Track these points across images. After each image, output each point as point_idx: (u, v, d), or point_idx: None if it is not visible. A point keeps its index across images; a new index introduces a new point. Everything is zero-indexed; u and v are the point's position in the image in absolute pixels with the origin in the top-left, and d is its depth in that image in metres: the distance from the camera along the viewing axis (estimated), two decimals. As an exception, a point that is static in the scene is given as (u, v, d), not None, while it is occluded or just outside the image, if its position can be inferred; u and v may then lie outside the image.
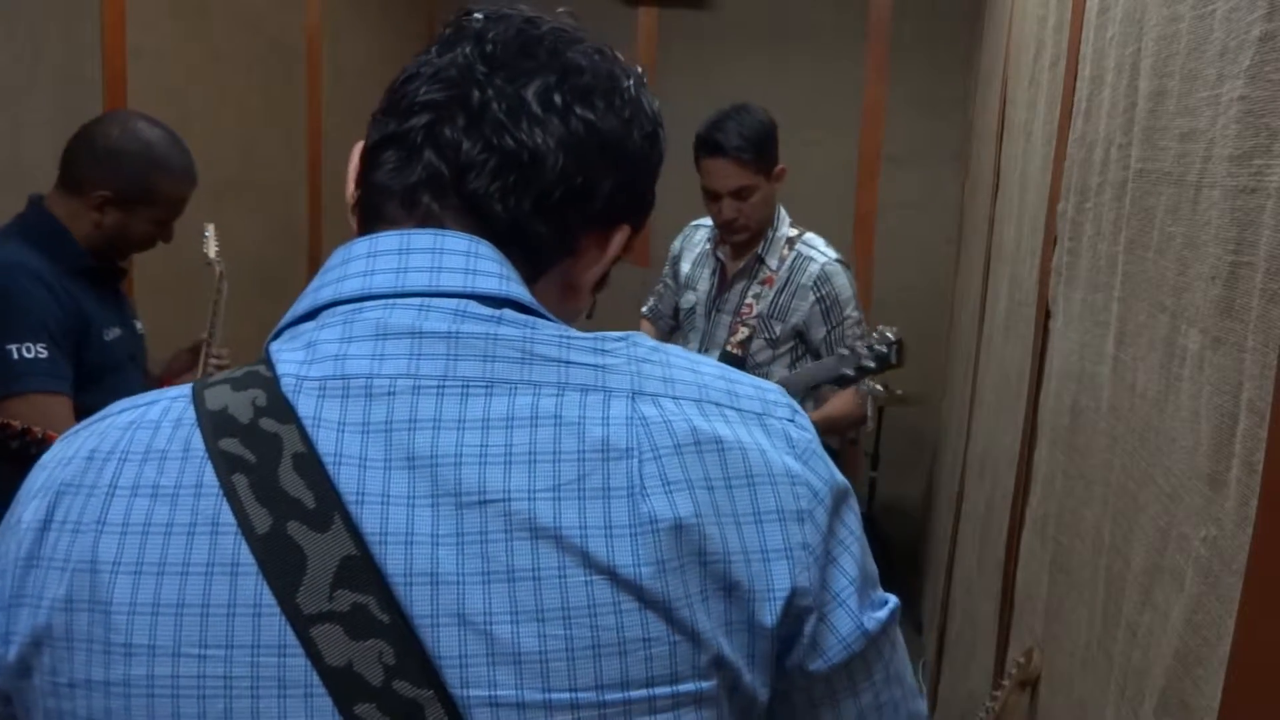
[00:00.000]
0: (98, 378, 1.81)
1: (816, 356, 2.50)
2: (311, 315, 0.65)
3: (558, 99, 0.67)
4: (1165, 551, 0.94)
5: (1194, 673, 0.84)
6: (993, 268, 2.54)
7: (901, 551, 4.26)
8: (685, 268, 2.68)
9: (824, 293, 2.48)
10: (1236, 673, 0.75)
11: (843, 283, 2.50)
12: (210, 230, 2.39)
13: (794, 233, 2.55)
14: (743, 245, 2.53)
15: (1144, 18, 1.15)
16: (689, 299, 2.65)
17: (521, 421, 0.60)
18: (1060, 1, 1.75)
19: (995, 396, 2.26)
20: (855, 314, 2.51)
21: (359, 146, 0.72)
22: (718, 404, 0.65)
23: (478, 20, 0.70)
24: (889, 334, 2.31)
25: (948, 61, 4.21)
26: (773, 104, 4.26)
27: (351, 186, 0.72)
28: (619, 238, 0.73)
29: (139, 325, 2.03)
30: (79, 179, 1.85)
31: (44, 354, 1.71)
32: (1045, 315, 1.67)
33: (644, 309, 2.87)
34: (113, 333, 1.89)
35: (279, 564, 0.57)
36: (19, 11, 2.26)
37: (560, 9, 0.73)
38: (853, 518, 0.67)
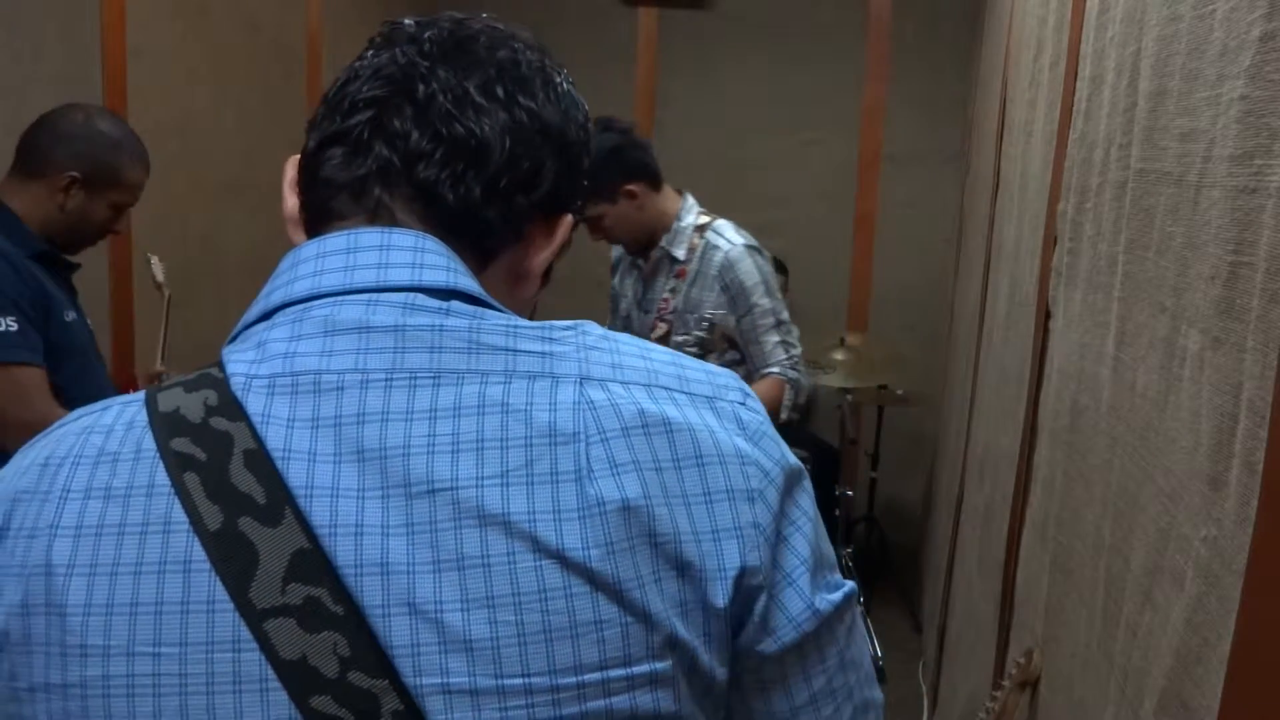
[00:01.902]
0: (61, 359, 1.84)
1: (732, 345, 2.45)
2: (264, 318, 0.66)
3: (499, 90, 0.69)
4: (1165, 551, 0.94)
5: (1194, 673, 0.84)
6: (993, 268, 2.54)
7: (901, 551, 4.26)
8: (615, 279, 2.70)
9: (728, 281, 2.40)
10: (1236, 673, 0.75)
11: (748, 268, 2.40)
12: (154, 260, 2.46)
13: (704, 220, 2.47)
14: (642, 245, 2.50)
15: (1144, 18, 1.15)
16: (623, 306, 2.66)
17: (469, 410, 0.61)
18: (1060, 1, 1.75)
19: (995, 396, 2.26)
20: (765, 302, 2.41)
21: (294, 160, 0.73)
22: (667, 388, 0.65)
23: (410, 25, 0.71)
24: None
25: (948, 61, 4.21)
26: (773, 104, 4.29)
27: (291, 197, 0.72)
28: (564, 225, 0.74)
29: (89, 321, 2.05)
30: (43, 162, 1.88)
31: (14, 326, 1.74)
32: (1045, 315, 1.67)
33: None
34: (70, 315, 1.91)
35: (231, 560, 0.57)
36: (19, 11, 2.26)
37: (485, 13, 0.75)
38: (806, 499, 0.67)
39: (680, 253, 2.45)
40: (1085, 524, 1.28)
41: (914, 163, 4.26)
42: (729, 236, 2.44)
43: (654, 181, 2.44)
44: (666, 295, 2.48)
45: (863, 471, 4.19)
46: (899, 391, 4.00)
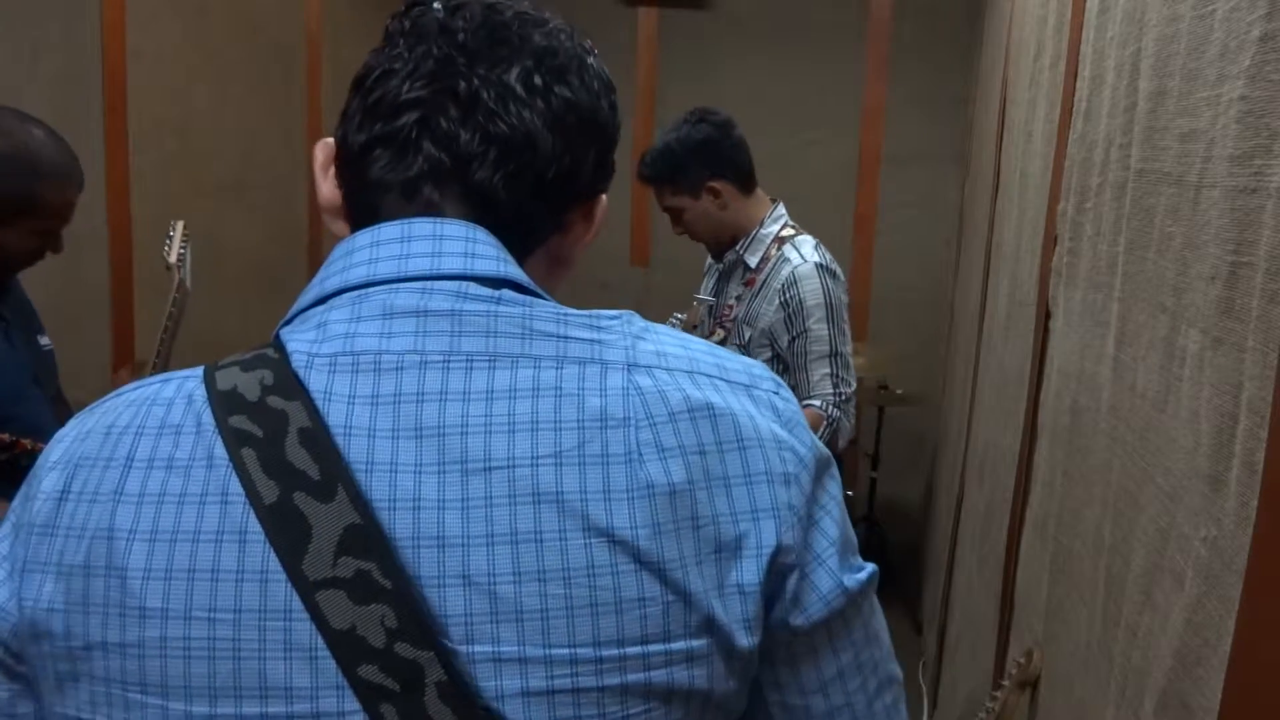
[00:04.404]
0: None
1: (786, 369, 2.30)
2: (319, 302, 0.68)
3: (538, 80, 0.70)
4: (1165, 551, 0.94)
5: (1194, 673, 0.84)
6: (993, 268, 2.54)
7: (901, 551, 4.26)
8: (704, 281, 2.59)
9: (788, 297, 2.25)
10: (1236, 673, 0.75)
11: (812, 288, 2.24)
12: (177, 229, 2.06)
13: (789, 232, 2.36)
14: (722, 246, 2.41)
15: (1144, 18, 1.15)
16: (701, 310, 2.60)
17: (524, 393, 0.63)
18: (1060, 2, 1.75)
19: (995, 396, 2.26)
20: (822, 328, 2.24)
21: (323, 144, 0.74)
22: (708, 375, 0.68)
23: (439, 11, 0.70)
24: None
25: (948, 61, 4.21)
26: (773, 104, 4.29)
27: (327, 186, 0.73)
28: (601, 208, 0.76)
29: (45, 341, 1.79)
30: None
31: None
32: (1045, 315, 1.67)
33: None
34: None
35: (285, 533, 0.60)
36: (19, 11, 2.26)
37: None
38: (834, 485, 0.70)
39: (753, 260, 2.34)
40: (1085, 524, 1.28)
41: (914, 163, 4.26)
42: (804, 252, 2.29)
43: (743, 182, 2.33)
44: (732, 302, 2.39)
45: (863, 471, 4.19)
46: (899, 391, 4.00)
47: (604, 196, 0.76)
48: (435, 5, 0.71)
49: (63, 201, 1.66)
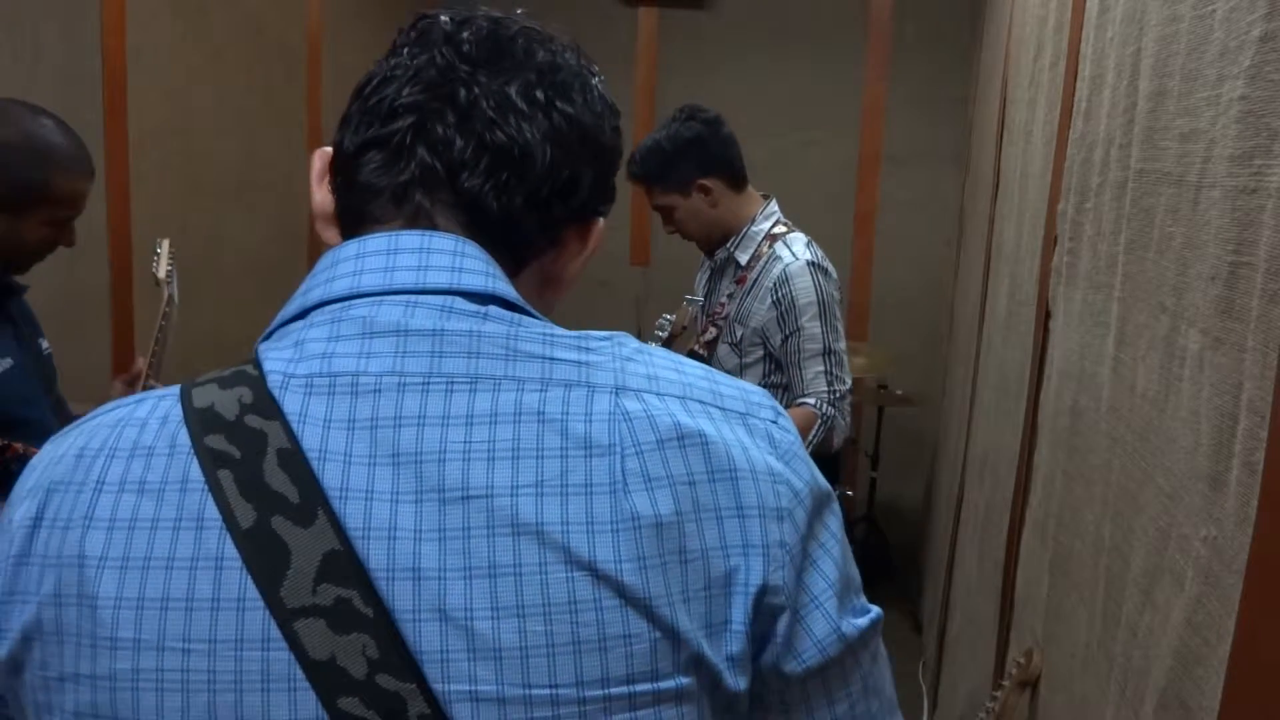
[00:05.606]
0: None
1: (778, 367, 2.30)
2: (301, 316, 0.66)
3: (540, 95, 0.68)
4: (1165, 551, 0.94)
5: (1194, 673, 0.84)
6: (993, 268, 2.54)
7: (901, 551, 4.26)
8: (698, 278, 2.58)
9: (780, 295, 2.24)
10: (1236, 673, 0.75)
11: (804, 286, 2.23)
12: (164, 246, 2.12)
13: (780, 230, 2.34)
14: (713, 244, 2.41)
15: (1144, 18, 1.15)
16: (693, 308, 2.59)
17: (505, 418, 0.61)
18: (1060, 2, 1.75)
19: (995, 396, 2.26)
20: (814, 326, 2.23)
21: (321, 152, 0.73)
22: (701, 402, 0.65)
23: (446, 23, 0.70)
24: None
25: (948, 61, 4.21)
26: (773, 104, 4.29)
27: (321, 192, 0.72)
28: (597, 231, 0.74)
29: (44, 345, 1.80)
30: None
31: None
32: (1045, 315, 1.67)
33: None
34: (3, 364, 1.64)
35: (263, 559, 0.57)
36: (19, 11, 2.26)
37: (520, 9, 0.74)
38: (834, 522, 0.67)
39: (744, 258, 2.33)
40: (1085, 524, 1.28)
41: (914, 163, 4.26)
42: (795, 250, 2.28)
43: (734, 180, 2.32)
44: (724, 300, 2.38)
45: (863, 471, 4.19)
46: (899, 391, 4.00)
47: (601, 222, 0.74)
48: (443, 17, 0.71)
49: (75, 190, 1.66)
